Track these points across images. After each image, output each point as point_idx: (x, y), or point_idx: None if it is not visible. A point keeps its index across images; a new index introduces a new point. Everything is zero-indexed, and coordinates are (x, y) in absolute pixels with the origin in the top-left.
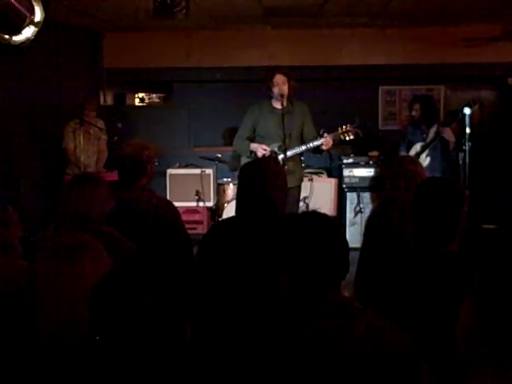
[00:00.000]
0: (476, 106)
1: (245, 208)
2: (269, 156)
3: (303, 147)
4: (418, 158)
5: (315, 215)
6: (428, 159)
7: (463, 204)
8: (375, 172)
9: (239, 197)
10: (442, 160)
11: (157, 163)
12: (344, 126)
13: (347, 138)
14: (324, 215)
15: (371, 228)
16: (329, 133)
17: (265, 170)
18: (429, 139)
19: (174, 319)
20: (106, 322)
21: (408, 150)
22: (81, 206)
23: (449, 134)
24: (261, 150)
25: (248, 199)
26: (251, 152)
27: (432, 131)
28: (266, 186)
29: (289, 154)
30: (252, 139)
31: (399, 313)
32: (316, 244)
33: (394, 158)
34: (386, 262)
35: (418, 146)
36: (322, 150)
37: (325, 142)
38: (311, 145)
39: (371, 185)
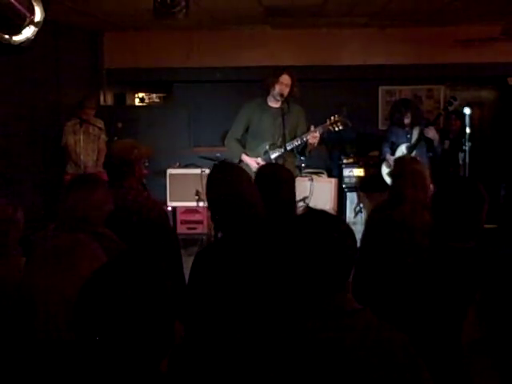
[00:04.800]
0: (457, 102)
1: (225, 217)
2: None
3: (295, 142)
4: None
5: (328, 217)
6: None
7: (484, 203)
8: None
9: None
10: (427, 158)
11: (147, 163)
12: (332, 117)
13: (336, 129)
14: (336, 216)
15: (377, 225)
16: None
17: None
18: (414, 140)
19: (158, 319)
20: (91, 320)
21: (393, 151)
22: (79, 207)
23: (433, 133)
24: (255, 164)
25: (225, 208)
26: (241, 161)
27: (415, 131)
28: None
29: (282, 151)
30: (244, 140)
31: (402, 311)
32: (328, 246)
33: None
34: (396, 259)
35: (403, 148)
36: (311, 148)
37: (311, 135)
38: (301, 140)
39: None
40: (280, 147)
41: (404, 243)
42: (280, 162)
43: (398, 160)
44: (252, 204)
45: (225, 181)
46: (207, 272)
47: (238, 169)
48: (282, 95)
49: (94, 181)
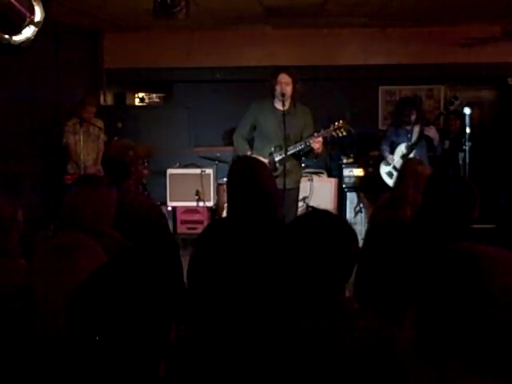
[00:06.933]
0: (458, 102)
1: (240, 206)
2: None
3: (298, 146)
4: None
5: (331, 217)
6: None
7: (476, 203)
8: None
9: (233, 195)
10: (428, 157)
11: (146, 163)
12: (336, 123)
13: (340, 135)
14: (339, 217)
15: (381, 224)
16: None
17: (257, 168)
18: (414, 139)
19: (155, 321)
20: (87, 321)
21: (392, 150)
22: (78, 206)
23: (433, 132)
24: None
25: (243, 196)
26: None
27: (416, 130)
28: (261, 182)
29: (283, 155)
30: (251, 139)
31: (402, 310)
32: (331, 247)
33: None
34: (399, 259)
35: (402, 147)
36: (317, 154)
37: (314, 139)
38: (304, 144)
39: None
40: (285, 150)
41: (405, 244)
42: (283, 163)
43: (404, 161)
44: (268, 195)
45: (248, 169)
46: (207, 260)
47: (261, 162)
48: (283, 95)
49: (96, 180)
